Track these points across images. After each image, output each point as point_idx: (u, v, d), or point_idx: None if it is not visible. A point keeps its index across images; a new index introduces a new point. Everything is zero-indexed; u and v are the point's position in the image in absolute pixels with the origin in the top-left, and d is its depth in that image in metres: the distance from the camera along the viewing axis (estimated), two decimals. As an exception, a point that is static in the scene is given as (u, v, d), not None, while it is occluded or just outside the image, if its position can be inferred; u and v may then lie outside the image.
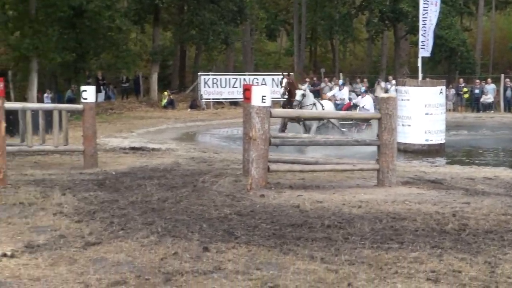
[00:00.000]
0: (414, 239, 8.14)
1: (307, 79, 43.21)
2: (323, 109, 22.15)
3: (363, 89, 26.92)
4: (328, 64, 57.92)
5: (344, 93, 25.58)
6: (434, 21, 23.03)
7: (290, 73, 25.83)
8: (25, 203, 10.18)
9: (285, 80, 22.79)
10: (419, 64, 23.30)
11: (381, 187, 12.42)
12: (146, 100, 41.49)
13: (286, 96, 22.80)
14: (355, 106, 27.80)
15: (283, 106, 23.52)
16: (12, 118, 18.27)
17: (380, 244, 7.91)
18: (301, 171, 13.31)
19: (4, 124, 11.83)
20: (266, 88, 12.69)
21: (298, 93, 22.20)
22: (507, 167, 17.10)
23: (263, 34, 60.11)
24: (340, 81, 27.49)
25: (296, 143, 14.82)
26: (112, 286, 6.31)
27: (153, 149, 18.98)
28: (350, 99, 24.66)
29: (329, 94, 25.12)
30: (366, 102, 26.56)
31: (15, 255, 7.25)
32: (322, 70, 47.35)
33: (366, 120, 22.40)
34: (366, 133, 22.35)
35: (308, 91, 23.67)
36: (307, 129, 21.46)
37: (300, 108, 21.52)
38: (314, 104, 22.48)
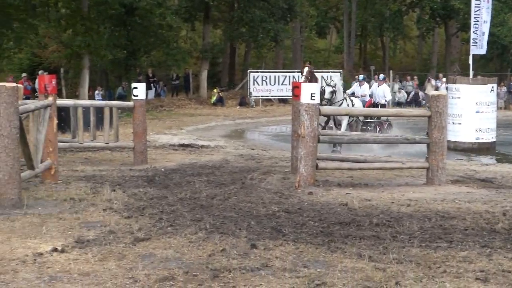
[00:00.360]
0: (463, 238, 8.06)
1: (357, 77, 43.08)
2: (353, 106, 21.37)
3: (361, 76, 25.44)
4: (378, 61, 57.61)
5: (364, 89, 24.10)
6: (487, 18, 22.74)
7: (310, 61, 25.08)
8: (75, 199, 10.31)
9: (306, 69, 22.32)
10: (470, 61, 23.06)
11: (431, 186, 12.32)
12: (196, 97, 41.67)
13: None
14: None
15: None
16: (63, 115, 18.52)
17: (429, 243, 7.85)
18: (349, 169, 13.27)
19: (56, 121, 11.98)
20: (315, 86, 12.68)
21: (327, 90, 20.84)
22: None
23: (313, 32, 60.01)
24: (361, 76, 25.67)
25: (345, 140, 14.77)
26: (160, 282, 6.35)
27: (202, 146, 19.08)
28: (370, 95, 23.35)
29: (349, 91, 23.65)
30: (365, 90, 24.14)
31: (66, 250, 7.35)
32: (372, 68, 47.08)
33: (415, 118, 22.18)
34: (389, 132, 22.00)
35: (339, 85, 22.15)
36: (337, 125, 20.64)
37: (330, 105, 20.31)
38: (345, 99, 21.50)
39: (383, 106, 23.45)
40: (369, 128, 21.75)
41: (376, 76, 42.08)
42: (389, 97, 24.93)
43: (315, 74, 22.81)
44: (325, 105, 19.63)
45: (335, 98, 20.87)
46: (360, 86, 24.00)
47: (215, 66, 50.40)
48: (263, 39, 42.09)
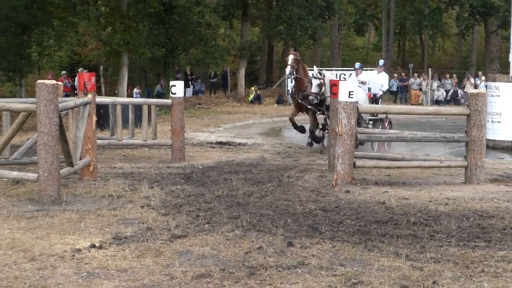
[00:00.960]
0: (501, 238, 8.01)
1: (395, 75, 42.88)
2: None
3: (357, 64, 21.05)
4: (417, 59, 57.24)
5: (363, 77, 20.29)
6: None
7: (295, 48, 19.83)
8: (113, 196, 10.40)
9: (291, 56, 18.12)
10: (510, 59, 22.78)
11: (469, 185, 12.23)
12: (234, 95, 41.74)
13: (293, 76, 18.32)
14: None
15: (292, 96, 19.32)
16: (102, 112, 18.66)
17: (467, 242, 7.81)
18: (387, 168, 13.23)
19: (95, 118, 12.09)
20: (353, 84, 12.64)
21: (314, 83, 17.49)
22: None
23: (351, 29, 59.78)
24: (357, 64, 21.30)
25: (383, 139, 14.73)
26: (197, 279, 6.39)
27: (240, 144, 19.10)
28: (369, 88, 20.09)
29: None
30: (364, 78, 20.29)
31: (104, 246, 7.42)
32: (411, 66, 46.82)
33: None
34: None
35: (327, 74, 18.37)
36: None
37: (322, 100, 17.48)
38: None
39: (379, 97, 20.73)
40: (369, 126, 18.68)
41: (415, 74, 41.95)
42: (386, 86, 21.58)
43: (304, 66, 18.93)
44: (312, 100, 17.45)
45: (325, 91, 17.24)
46: (357, 75, 20.50)
47: (253, 64, 50.45)
48: (301, 37, 42.01)
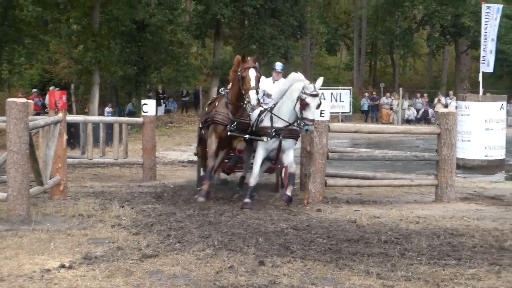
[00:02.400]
0: (471, 256, 8.05)
1: (366, 94, 43.11)
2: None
3: (279, 66, 12.66)
4: (388, 78, 57.51)
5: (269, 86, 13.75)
6: (494, 36, 22.71)
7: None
8: (84, 215, 10.33)
9: (252, 74, 12.13)
10: (480, 79, 23.00)
11: (439, 203, 12.32)
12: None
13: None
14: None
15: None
16: (73, 131, 18.56)
17: (437, 260, 7.84)
18: (358, 186, 13.28)
19: (65, 137, 12.01)
20: (324, 103, 12.68)
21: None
22: None
23: (323, 49, 59.99)
24: (278, 65, 14.34)
25: (354, 158, 14.75)
26: (167, 298, 6.36)
27: (212, 163, 19.04)
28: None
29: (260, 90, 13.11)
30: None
31: (73, 266, 7.36)
32: (382, 85, 47.06)
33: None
34: None
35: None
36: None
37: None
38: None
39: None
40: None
41: (388, 93, 42.18)
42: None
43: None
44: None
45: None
46: (273, 81, 13.93)
47: (225, 82, 50.37)
48: (273, 56, 42.07)
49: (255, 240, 8.78)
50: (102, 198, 12.05)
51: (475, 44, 42.52)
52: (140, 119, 15.68)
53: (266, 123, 11.83)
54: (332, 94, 39.43)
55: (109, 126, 16.94)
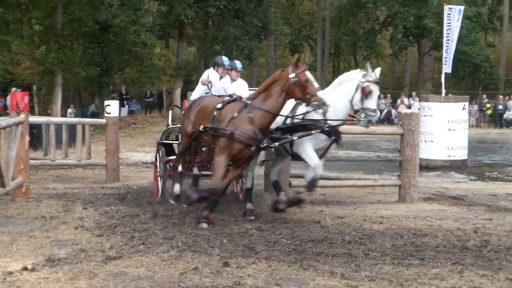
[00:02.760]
0: (435, 256, 8.10)
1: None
2: None
3: (238, 64, 13.10)
4: (352, 79, 57.78)
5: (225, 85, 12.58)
6: (455, 37, 22.91)
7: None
8: (46, 217, 10.23)
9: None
10: (443, 80, 23.19)
11: (403, 203, 12.39)
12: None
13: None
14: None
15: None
16: (35, 132, 18.38)
17: (401, 260, 7.88)
18: (322, 187, 13.25)
19: (27, 138, 11.90)
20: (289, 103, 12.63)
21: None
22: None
23: (287, 50, 60.13)
24: (238, 64, 13.11)
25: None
26: (131, 300, 6.32)
27: (176, 164, 18.99)
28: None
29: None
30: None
31: (36, 268, 7.28)
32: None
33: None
34: None
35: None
36: None
37: None
38: None
39: None
40: None
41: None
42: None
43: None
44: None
45: None
46: (232, 81, 12.84)
47: (189, 83, 50.24)
48: (237, 56, 42.06)
49: (219, 241, 8.76)
50: (65, 200, 11.95)
51: (438, 45, 42.89)
52: (103, 120, 15.60)
53: (316, 116, 10.59)
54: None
55: (72, 127, 16.83)
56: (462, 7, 24.32)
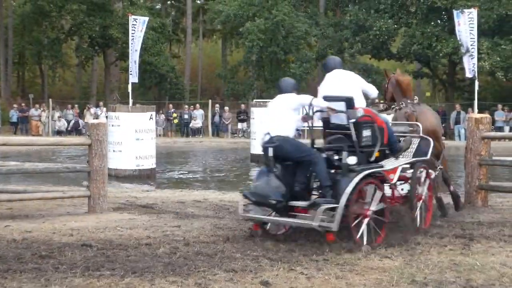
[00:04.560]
0: (125, 265, 8.11)
1: (15, 105, 42.10)
2: None
3: None
4: (37, 89, 56.76)
5: None
6: (138, 47, 23.31)
7: None
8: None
9: None
10: (130, 90, 23.52)
11: (92, 214, 12.32)
12: None
13: None
14: None
15: None
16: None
17: (92, 271, 7.80)
18: (8, 201, 12.83)
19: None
20: None
21: None
22: (215, 189, 17.68)
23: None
24: None
25: (3, 171, 14.26)
26: None
27: None
28: None
29: None
30: None
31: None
32: (31, 96, 46.31)
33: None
34: None
35: None
36: None
37: None
38: None
39: None
40: None
41: (37, 105, 41.38)
42: None
43: None
44: None
45: None
46: None
47: None
48: None
49: None
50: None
51: (124, 55, 43.35)
52: None
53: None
54: None
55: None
56: (147, 18, 24.83)
